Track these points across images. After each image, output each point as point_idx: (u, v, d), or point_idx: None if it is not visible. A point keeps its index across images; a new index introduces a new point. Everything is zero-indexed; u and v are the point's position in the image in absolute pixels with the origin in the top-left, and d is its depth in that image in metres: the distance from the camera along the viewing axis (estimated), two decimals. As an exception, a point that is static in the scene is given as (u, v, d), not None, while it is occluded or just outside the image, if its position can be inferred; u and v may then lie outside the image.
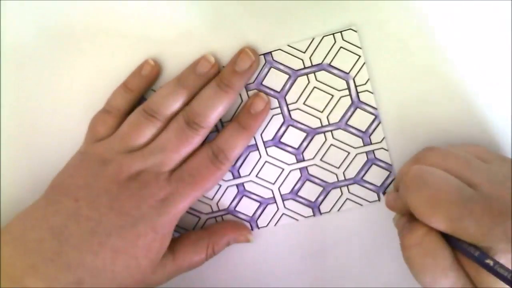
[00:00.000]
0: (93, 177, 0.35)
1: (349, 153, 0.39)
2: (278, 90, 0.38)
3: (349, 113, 0.38)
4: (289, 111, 0.38)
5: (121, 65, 0.39)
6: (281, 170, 0.40)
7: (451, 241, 0.30)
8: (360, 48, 0.37)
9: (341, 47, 0.37)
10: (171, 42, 0.38)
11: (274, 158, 0.39)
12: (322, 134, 0.38)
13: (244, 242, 0.40)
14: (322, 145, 0.39)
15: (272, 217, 0.40)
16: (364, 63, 0.37)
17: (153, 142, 0.36)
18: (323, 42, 0.37)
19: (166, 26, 0.38)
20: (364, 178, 0.39)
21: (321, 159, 0.39)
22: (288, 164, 0.39)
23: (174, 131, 0.36)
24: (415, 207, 0.30)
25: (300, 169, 0.39)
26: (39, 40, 0.39)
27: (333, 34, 0.36)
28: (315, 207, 0.40)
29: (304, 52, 0.37)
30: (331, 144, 0.39)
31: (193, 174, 0.36)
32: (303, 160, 0.39)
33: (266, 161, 0.39)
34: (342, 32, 0.36)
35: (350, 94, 0.37)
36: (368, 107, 0.38)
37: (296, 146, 0.39)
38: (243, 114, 0.38)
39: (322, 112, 0.38)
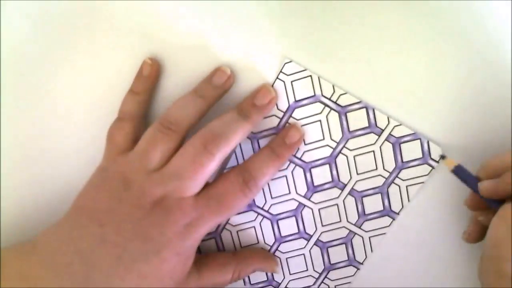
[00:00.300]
0: (117, 201, 0.36)
1: (373, 151, 0.38)
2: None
3: (344, 123, 0.38)
4: (299, 159, 0.39)
5: (122, 63, 0.39)
6: (336, 206, 0.40)
7: None
8: (305, 69, 0.37)
9: (291, 81, 0.38)
10: (175, 42, 0.39)
11: (322, 201, 0.40)
12: (340, 154, 0.39)
13: (270, 272, 0.41)
14: (348, 162, 0.39)
15: (364, 248, 0.41)
16: (319, 77, 0.37)
17: (169, 165, 0.36)
18: (276, 89, 0.38)
19: (169, 25, 0.38)
20: (404, 160, 0.38)
21: (357, 173, 0.39)
22: (337, 198, 0.40)
23: (190, 156, 0.36)
24: None
25: (349, 193, 0.39)
26: (39, 39, 0.39)
27: (276, 77, 0.38)
28: (388, 212, 0.39)
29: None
30: (354, 156, 0.38)
31: (219, 200, 0.36)
32: (345, 185, 0.39)
33: (319, 209, 0.40)
34: (281, 71, 0.38)
35: (331, 108, 0.38)
36: (353, 106, 0.37)
37: (330, 180, 0.39)
38: (277, 143, 0.38)
39: (323, 139, 0.38)
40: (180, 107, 0.37)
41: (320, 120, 0.38)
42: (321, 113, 0.38)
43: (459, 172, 0.36)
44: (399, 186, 0.38)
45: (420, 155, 0.38)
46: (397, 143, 0.38)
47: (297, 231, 0.41)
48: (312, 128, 0.38)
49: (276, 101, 0.38)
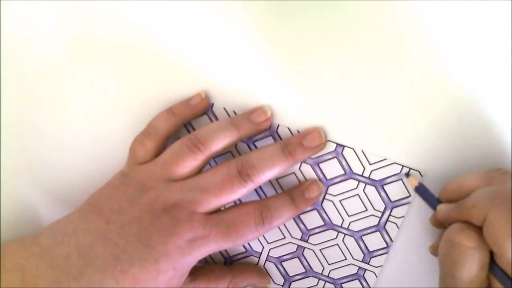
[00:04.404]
0: (129, 203, 0.36)
1: (346, 259, 0.41)
2: (328, 178, 0.39)
3: (368, 231, 0.40)
4: (323, 198, 0.40)
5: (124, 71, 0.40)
6: (283, 237, 0.41)
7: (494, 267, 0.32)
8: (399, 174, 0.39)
9: (401, 179, 0.38)
10: (223, 81, 0.39)
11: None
12: (336, 232, 0.40)
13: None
14: (330, 240, 0.41)
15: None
16: (409, 203, 0.39)
17: (196, 178, 0.36)
18: (390, 166, 0.38)
19: (220, 63, 0.39)
20: (343, 286, 0.41)
21: (320, 250, 0.41)
22: (292, 237, 0.41)
23: (222, 175, 0.36)
24: (495, 226, 0.30)
25: (298, 246, 0.41)
26: (50, 39, 0.40)
27: (402, 166, 0.38)
28: (288, 280, 0.42)
29: (370, 164, 0.38)
30: (337, 244, 0.41)
31: (230, 226, 0.36)
32: (306, 241, 0.41)
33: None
34: (410, 170, 0.38)
35: (380, 218, 0.39)
36: (386, 236, 0.40)
37: (309, 228, 0.41)
38: (297, 193, 0.39)
39: (349, 216, 0.40)
40: (213, 131, 0.37)
41: (366, 210, 0.39)
42: (374, 209, 0.39)
43: (421, 191, 0.37)
44: (316, 285, 0.41)
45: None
46: (357, 277, 0.41)
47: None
48: (357, 204, 0.39)
49: (324, 147, 0.39)
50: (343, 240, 0.40)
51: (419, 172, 0.38)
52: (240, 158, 0.37)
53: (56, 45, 0.40)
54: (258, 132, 0.39)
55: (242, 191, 0.36)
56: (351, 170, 0.39)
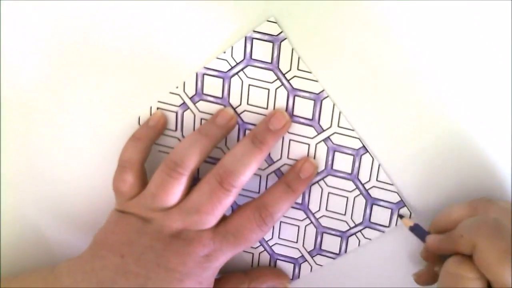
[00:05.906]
0: (136, 234, 0.36)
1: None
2: (333, 167, 0.39)
3: (332, 232, 0.41)
4: (316, 181, 0.40)
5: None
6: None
7: None
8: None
9: (391, 209, 0.39)
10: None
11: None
12: (305, 216, 0.41)
13: None
14: (294, 219, 0.41)
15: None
16: (382, 232, 0.40)
17: (187, 201, 0.37)
18: (391, 193, 0.39)
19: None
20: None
21: (326, 209, 0.41)
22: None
23: (206, 193, 0.36)
24: (485, 254, 0.31)
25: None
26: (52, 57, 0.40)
27: (401, 199, 0.39)
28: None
29: (377, 180, 0.39)
30: (298, 226, 0.41)
31: (236, 235, 0.37)
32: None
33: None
34: (403, 207, 0.39)
35: (350, 228, 0.40)
36: (344, 246, 0.41)
37: (300, 202, 0.41)
38: (292, 177, 0.39)
39: (326, 210, 0.40)
40: (185, 148, 0.37)
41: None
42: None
43: (416, 230, 0.39)
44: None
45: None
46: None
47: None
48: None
49: (290, 125, 0.39)
50: (305, 226, 0.41)
51: (409, 212, 0.39)
52: (216, 169, 0.37)
53: (57, 46, 0.40)
54: (228, 133, 0.39)
55: (230, 200, 0.37)
56: (357, 175, 0.39)
